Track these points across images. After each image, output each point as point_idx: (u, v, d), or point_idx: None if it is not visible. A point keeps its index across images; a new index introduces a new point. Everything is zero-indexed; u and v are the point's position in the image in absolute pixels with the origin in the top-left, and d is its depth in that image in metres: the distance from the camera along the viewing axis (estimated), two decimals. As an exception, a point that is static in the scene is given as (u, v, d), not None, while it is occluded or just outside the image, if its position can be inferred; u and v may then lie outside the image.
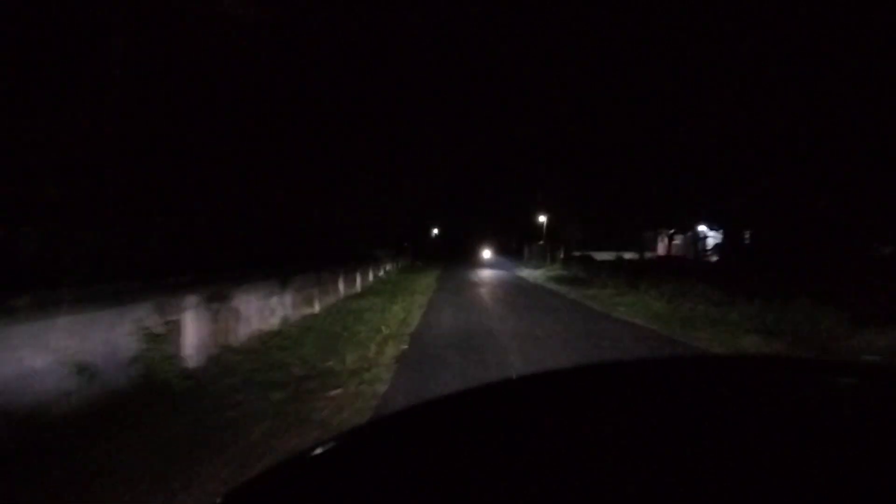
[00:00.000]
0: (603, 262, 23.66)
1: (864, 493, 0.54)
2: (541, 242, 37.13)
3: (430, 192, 42.84)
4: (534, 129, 43.33)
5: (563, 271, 23.10)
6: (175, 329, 5.74)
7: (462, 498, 0.58)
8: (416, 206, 38.96)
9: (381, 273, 21.42)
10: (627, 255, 31.71)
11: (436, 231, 51.25)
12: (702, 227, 31.42)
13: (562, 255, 29.75)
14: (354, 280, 15.82)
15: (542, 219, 37.03)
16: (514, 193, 43.46)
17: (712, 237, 31.11)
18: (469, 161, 48.26)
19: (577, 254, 28.44)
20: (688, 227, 29.63)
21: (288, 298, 9.44)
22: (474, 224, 51.45)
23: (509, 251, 49.72)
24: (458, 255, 47.74)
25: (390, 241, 27.00)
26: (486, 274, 25.21)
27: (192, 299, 6.17)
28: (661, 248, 34.38)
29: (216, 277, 7.96)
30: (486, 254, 50.91)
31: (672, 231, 32.73)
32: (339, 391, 5.16)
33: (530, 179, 41.19)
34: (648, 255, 34.38)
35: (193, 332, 6.08)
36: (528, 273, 25.38)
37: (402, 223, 32.16)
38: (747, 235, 26.88)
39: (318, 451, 0.71)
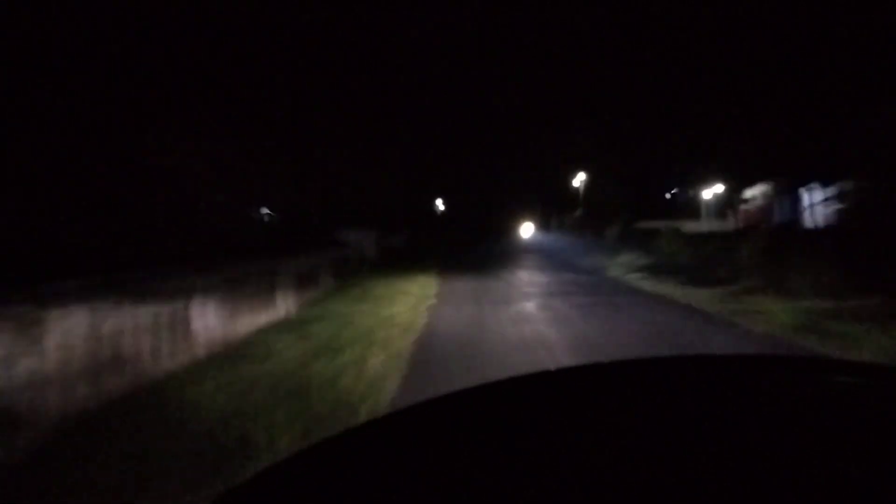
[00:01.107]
0: (696, 239, 15.25)
1: (864, 492, 0.53)
2: (577, 212, 28.64)
3: (430, 156, 34.46)
4: (560, 63, 34.26)
5: (645, 257, 14.46)
6: None
7: (459, 497, 0.57)
8: (411, 173, 30.54)
9: (351, 269, 13.31)
10: (687, 226, 23.21)
11: (441, 206, 42.40)
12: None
13: (617, 230, 21.29)
14: (281, 295, 7.76)
15: (580, 180, 28.39)
16: (536, 156, 34.54)
17: (818, 196, 22.34)
18: (479, 119, 39.43)
19: (644, 226, 19.93)
20: (786, 180, 20.76)
21: None
22: (490, 196, 42.42)
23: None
24: (474, 237, 33.97)
25: (375, 220, 18.90)
26: (534, 275, 13.28)
27: None
28: (739, 216, 25.67)
29: None
30: (526, 231, 34.69)
31: (753, 191, 23.96)
32: None
33: (557, 135, 32.52)
34: (708, 222, 25.90)
35: None
36: (596, 263, 16.61)
37: (392, 196, 23.90)
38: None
39: (313, 451, 0.72)
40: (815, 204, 22.54)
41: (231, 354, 5.57)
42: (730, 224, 25.59)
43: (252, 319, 6.98)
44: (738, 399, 0.81)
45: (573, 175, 28.68)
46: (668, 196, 31.74)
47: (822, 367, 1.00)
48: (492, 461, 0.64)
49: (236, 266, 6.85)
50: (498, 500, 0.55)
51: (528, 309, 7.97)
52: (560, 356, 5.14)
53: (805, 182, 21.13)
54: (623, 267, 13.12)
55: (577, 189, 28.63)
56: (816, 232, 18.18)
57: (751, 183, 23.88)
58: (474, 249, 24.80)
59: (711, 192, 26.80)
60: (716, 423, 0.71)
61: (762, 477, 0.55)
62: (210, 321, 5.81)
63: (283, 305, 8.10)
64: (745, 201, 24.89)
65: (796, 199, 22.81)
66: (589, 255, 17.41)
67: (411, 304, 8.64)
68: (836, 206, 20.99)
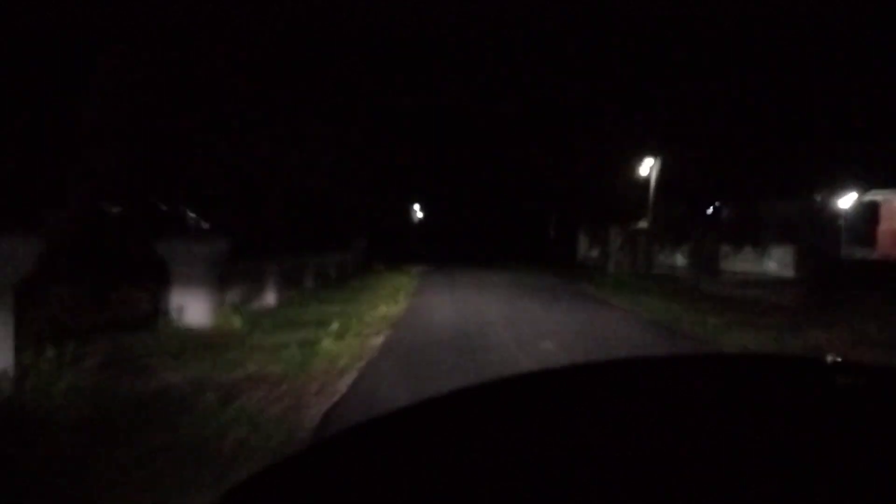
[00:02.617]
0: None
1: (865, 493, 0.53)
2: (641, 224, 16.47)
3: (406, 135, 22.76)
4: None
5: None
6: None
7: (459, 497, 0.57)
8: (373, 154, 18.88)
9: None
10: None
11: (419, 214, 30.01)
12: None
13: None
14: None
15: (649, 168, 16.29)
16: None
17: None
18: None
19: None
20: None
21: None
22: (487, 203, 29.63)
23: (546, 256, 26.57)
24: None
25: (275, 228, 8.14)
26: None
27: None
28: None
29: None
30: None
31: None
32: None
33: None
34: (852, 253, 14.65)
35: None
36: None
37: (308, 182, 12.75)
38: None
39: (317, 449, 0.73)
40: None
41: None
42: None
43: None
44: (738, 399, 0.79)
45: (637, 164, 16.68)
46: (709, 211, 22.46)
47: (822, 368, 0.96)
48: (491, 461, 0.63)
49: None
50: (497, 501, 0.55)
51: None
52: None
53: None
54: None
55: (645, 181, 16.49)
56: None
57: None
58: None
59: (848, 199, 16.43)
60: (715, 423, 0.70)
61: (762, 477, 0.55)
62: None
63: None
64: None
65: None
66: None
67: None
68: None
